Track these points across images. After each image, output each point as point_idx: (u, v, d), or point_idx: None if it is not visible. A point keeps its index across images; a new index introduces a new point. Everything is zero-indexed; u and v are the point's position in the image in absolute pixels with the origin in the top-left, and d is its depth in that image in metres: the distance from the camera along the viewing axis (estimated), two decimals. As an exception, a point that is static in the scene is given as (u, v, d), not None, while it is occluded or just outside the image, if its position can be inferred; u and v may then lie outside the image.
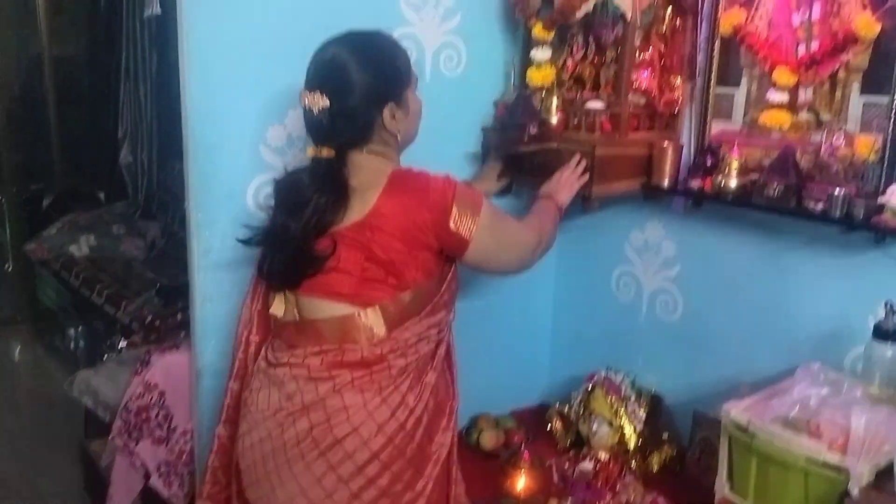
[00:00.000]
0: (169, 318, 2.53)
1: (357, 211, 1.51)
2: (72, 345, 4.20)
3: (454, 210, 1.52)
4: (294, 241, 1.51)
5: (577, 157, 2.02)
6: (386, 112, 1.54)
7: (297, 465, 1.48)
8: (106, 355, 2.92)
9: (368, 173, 1.54)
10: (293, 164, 2.03)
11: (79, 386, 2.54)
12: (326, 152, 1.52)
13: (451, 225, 1.52)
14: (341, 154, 1.53)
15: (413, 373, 1.56)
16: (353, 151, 1.55)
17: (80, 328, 4.07)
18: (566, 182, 2.00)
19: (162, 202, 4.77)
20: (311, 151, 1.55)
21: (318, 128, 1.52)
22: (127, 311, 3.39)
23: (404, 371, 1.54)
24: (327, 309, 1.52)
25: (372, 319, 1.51)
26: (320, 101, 1.48)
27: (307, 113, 1.52)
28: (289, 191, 1.56)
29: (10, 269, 4.96)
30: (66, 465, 3.18)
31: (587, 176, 2.02)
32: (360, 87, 1.50)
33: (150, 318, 2.54)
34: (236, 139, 1.96)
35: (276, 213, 1.57)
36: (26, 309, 4.92)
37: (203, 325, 2.04)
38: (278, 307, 1.60)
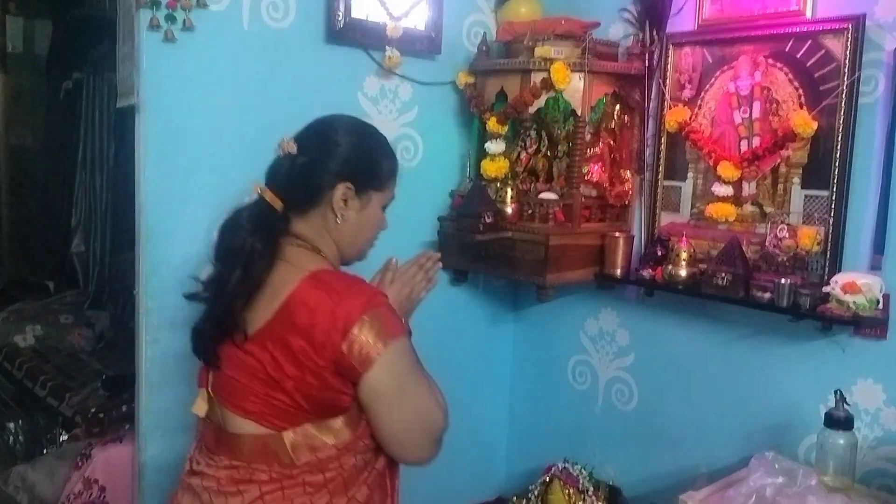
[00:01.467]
0: (113, 411, 2.43)
1: (261, 316, 1.36)
2: (10, 439, 4.00)
3: (356, 327, 1.31)
4: (225, 296, 1.37)
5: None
6: (340, 188, 1.43)
7: None
8: (46, 450, 2.79)
9: (287, 268, 1.39)
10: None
11: (14, 482, 2.41)
12: (270, 197, 1.43)
13: (344, 346, 1.30)
14: (286, 212, 1.45)
15: (335, 487, 1.38)
16: (293, 220, 1.45)
17: (20, 422, 3.89)
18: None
19: (113, 292, 4.67)
20: (257, 188, 1.45)
21: (275, 171, 1.45)
22: (70, 403, 3.25)
23: (322, 487, 1.37)
24: (240, 425, 1.39)
25: (279, 446, 1.36)
26: (290, 147, 1.44)
27: (276, 157, 1.47)
28: (227, 234, 1.44)
29: (-51, 361, 4.77)
30: (-4, 569, 2.98)
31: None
32: (330, 150, 1.44)
33: (93, 410, 2.43)
34: (190, 226, 1.95)
35: (215, 261, 1.45)
36: (-36, 402, 4.71)
37: (148, 415, 1.97)
38: (200, 407, 1.46)
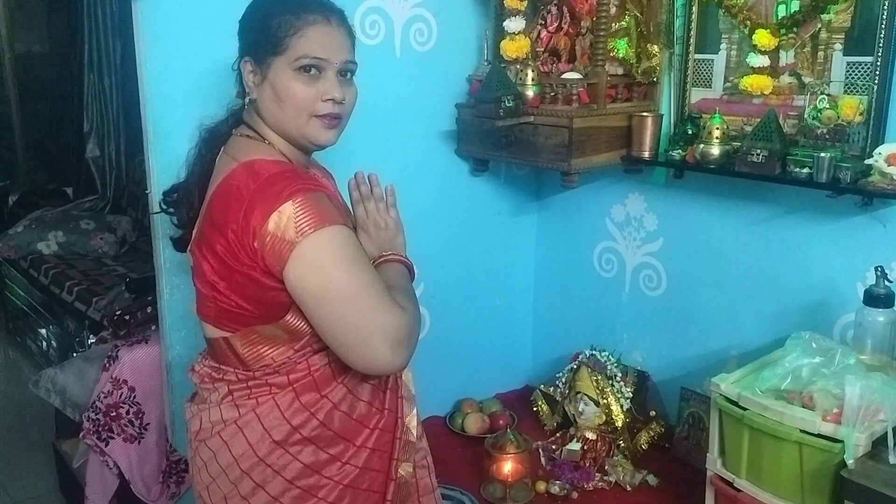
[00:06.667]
0: (139, 313, 2.43)
1: (200, 216, 1.36)
2: (44, 344, 4.09)
3: (270, 221, 1.19)
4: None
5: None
6: (244, 66, 1.35)
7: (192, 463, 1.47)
8: (75, 353, 2.82)
9: (223, 160, 1.35)
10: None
11: (45, 385, 2.44)
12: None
13: (256, 243, 1.20)
14: (239, 110, 1.43)
15: (302, 387, 1.33)
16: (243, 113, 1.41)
17: (51, 327, 3.96)
18: (399, 226, 1.54)
19: (132, 196, 4.66)
20: None
21: None
22: (97, 307, 3.29)
23: (286, 386, 1.33)
24: (208, 329, 1.38)
25: (236, 349, 1.33)
26: None
27: None
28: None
29: (-23, 270, 4.83)
30: (40, 467, 3.09)
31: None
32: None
33: (118, 312, 2.44)
34: (198, 121, 1.87)
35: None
36: (-4, 310, 4.81)
37: (172, 315, 1.96)
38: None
